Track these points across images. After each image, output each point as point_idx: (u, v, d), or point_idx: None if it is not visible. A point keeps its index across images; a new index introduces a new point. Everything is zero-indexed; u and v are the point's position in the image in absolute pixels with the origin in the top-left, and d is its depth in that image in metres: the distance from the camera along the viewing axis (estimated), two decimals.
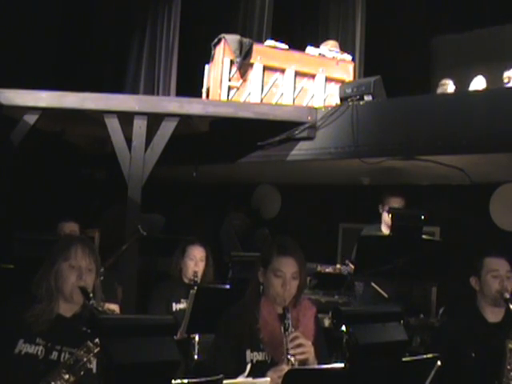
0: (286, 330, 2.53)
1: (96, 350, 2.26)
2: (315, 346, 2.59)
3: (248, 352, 2.61)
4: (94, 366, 2.38)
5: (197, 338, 3.79)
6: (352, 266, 5.07)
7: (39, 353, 2.39)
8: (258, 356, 2.62)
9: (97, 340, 2.24)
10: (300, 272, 2.66)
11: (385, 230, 4.82)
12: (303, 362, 2.51)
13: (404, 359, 1.82)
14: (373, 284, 4.78)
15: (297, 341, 2.51)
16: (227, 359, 2.60)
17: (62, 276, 2.47)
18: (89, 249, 2.55)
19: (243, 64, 5.46)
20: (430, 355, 1.93)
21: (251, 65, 5.49)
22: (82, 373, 2.28)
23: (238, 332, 2.63)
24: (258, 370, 2.50)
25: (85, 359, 2.27)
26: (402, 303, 3.76)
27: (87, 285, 2.46)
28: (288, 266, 2.64)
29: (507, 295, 2.99)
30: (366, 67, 6.60)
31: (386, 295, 4.69)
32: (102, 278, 2.68)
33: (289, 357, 2.47)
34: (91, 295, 2.40)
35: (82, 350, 2.28)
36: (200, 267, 4.18)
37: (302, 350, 2.50)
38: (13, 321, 2.43)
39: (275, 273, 2.64)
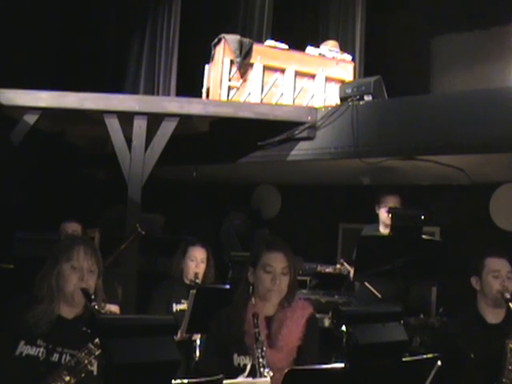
0: (256, 339, 2.43)
1: (97, 353, 2.25)
2: (302, 349, 2.55)
3: (235, 356, 2.57)
4: (94, 368, 2.36)
5: (198, 340, 3.79)
6: (347, 266, 5.09)
7: (40, 354, 2.38)
8: (245, 360, 2.56)
9: (98, 341, 2.23)
10: (290, 268, 2.64)
11: (382, 230, 4.83)
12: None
13: (404, 359, 1.82)
14: (366, 283, 4.79)
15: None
16: (214, 361, 2.56)
17: (64, 277, 2.45)
18: (91, 250, 2.53)
19: (243, 64, 5.45)
20: (429, 355, 1.93)
21: (251, 65, 5.48)
22: (82, 375, 2.27)
23: (226, 334, 2.60)
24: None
25: (86, 361, 2.26)
26: (399, 303, 3.76)
27: (89, 286, 2.45)
28: (277, 261, 2.62)
29: (508, 295, 2.99)
30: (365, 67, 6.60)
31: (379, 295, 4.70)
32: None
33: (261, 370, 2.38)
34: (93, 297, 2.39)
35: (83, 352, 2.27)
36: (201, 268, 4.18)
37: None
38: (14, 321, 2.42)
39: (264, 268, 2.61)
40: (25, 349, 2.37)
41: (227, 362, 2.56)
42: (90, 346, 2.26)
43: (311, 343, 2.65)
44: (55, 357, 2.39)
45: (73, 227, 4.33)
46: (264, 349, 2.43)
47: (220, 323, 2.67)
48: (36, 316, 2.41)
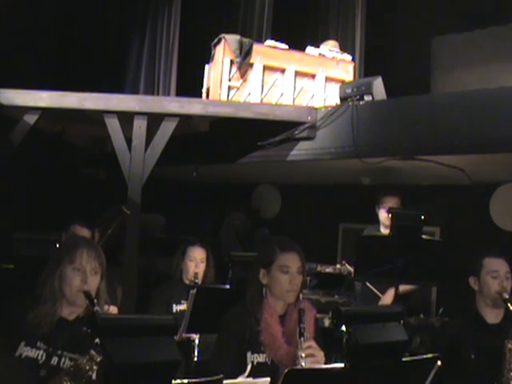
0: (301, 334, 2.48)
1: (99, 359, 2.23)
2: None
3: (249, 354, 2.61)
4: (94, 372, 2.33)
5: (197, 340, 3.80)
6: (348, 267, 5.10)
7: (39, 357, 2.35)
8: (259, 358, 2.62)
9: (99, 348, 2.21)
10: (303, 267, 2.70)
11: (383, 230, 4.84)
12: None
13: (404, 359, 1.82)
14: (367, 284, 4.80)
15: (310, 350, 2.49)
16: (228, 360, 2.60)
17: (67, 279, 2.43)
18: (95, 252, 2.50)
19: (243, 64, 5.45)
20: (429, 355, 1.92)
21: (251, 65, 5.48)
22: (83, 380, 2.25)
23: (239, 333, 2.64)
24: (259, 372, 2.50)
25: (87, 367, 2.24)
26: (400, 303, 3.76)
27: (91, 289, 2.43)
28: (293, 261, 2.67)
29: (506, 295, 2.99)
30: (365, 67, 6.60)
31: (381, 295, 4.71)
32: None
33: (302, 363, 2.44)
34: (95, 301, 2.35)
35: (85, 358, 2.25)
36: (200, 268, 4.18)
37: (314, 359, 2.47)
38: (16, 322, 2.39)
39: (282, 269, 2.66)
40: (25, 350, 2.35)
41: (241, 360, 2.60)
42: (92, 352, 2.24)
43: (320, 342, 2.70)
44: (54, 360, 2.36)
45: (83, 233, 4.32)
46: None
47: (232, 323, 2.70)
48: (38, 317, 2.38)
